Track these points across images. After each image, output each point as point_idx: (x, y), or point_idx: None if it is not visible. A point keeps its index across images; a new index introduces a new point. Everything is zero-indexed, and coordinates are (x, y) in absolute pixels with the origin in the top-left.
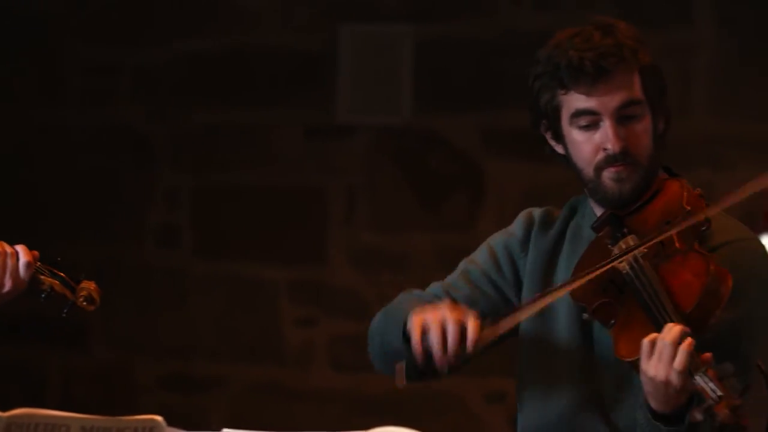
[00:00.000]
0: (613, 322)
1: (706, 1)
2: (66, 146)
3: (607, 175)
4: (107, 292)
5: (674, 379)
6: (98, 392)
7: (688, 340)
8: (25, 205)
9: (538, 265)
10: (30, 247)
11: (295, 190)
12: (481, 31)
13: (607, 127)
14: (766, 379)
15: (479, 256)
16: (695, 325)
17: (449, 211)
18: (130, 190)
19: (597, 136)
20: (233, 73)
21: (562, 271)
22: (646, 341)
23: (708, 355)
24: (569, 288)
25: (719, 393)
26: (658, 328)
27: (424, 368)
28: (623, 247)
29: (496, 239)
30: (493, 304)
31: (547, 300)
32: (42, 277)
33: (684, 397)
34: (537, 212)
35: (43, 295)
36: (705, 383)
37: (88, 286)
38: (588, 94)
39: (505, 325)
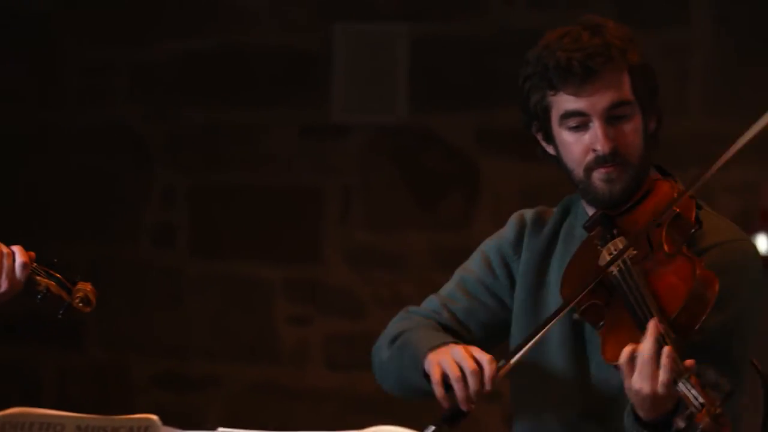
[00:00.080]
0: (602, 323)
1: (703, 0)
2: (62, 145)
3: (597, 176)
4: (103, 291)
5: (660, 390)
6: (94, 391)
7: (667, 350)
8: (21, 203)
9: (531, 266)
10: (26, 246)
11: (290, 189)
12: (475, 29)
13: (596, 128)
14: (762, 377)
15: (473, 264)
16: (681, 329)
17: (444, 210)
18: (126, 189)
19: (586, 137)
20: (229, 72)
21: (555, 270)
22: (625, 355)
23: (691, 361)
24: (571, 305)
25: (701, 400)
26: (644, 333)
27: (450, 412)
28: (612, 249)
29: (489, 244)
30: (492, 314)
31: (553, 322)
32: (38, 278)
33: (671, 404)
34: (528, 214)
35: (39, 296)
36: (688, 390)
37: (85, 287)
38: (576, 95)
39: (517, 356)
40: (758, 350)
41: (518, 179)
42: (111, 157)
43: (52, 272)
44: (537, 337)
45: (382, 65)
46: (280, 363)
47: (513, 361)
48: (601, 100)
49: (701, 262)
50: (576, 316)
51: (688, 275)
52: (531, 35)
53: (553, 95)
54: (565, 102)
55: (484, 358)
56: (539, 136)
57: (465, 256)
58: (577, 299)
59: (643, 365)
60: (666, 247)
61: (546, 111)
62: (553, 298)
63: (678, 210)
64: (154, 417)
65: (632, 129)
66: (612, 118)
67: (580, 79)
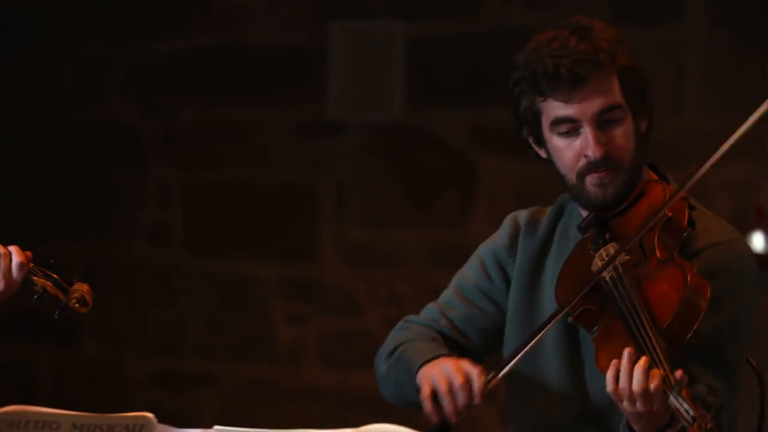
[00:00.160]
0: (596, 329)
1: None
2: (57, 143)
3: (590, 181)
4: (98, 288)
5: (655, 407)
6: (89, 389)
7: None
8: (16, 201)
9: (526, 268)
10: (21, 244)
11: (286, 186)
12: (471, 27)
13: (587, 133)
14: (758, 375)
15: (470, 270)
16: (672, 338)
17: (440, 208)
18: (121, 186)
19: (578, 142)
20: (224, 70)
21: (551, 271)
22: (609, 381)
23: (681, 373)
24: (564, 311)
25: (692, 414)
26: (636, 342)
27: (439, 427)
28: (604, 255)
29: (484, 249)
30: (491, 320)
31: (545, 330)
32: (35, 278)
33: (665, 417)
34: (522, 215)
35: (35, 296)
36: (679, 404)
37: (81, 288)
38: (566, 101)
39: (507, 367)
40: (753, 348)
41: (514, 177)
42: (106, 155)
43: (48, 272)
44: (527, 347)
45: (378, 63)
46: (276, 361)
47: (502, 373)
48: (591, 106)
49: (693, 268)
50: (570, 319)
51: (680, 284)
52: (527, 33)
53: (543, 101)
54: (554, 108)
55: (473, 371)
56: (530, 140)
57: (461, 253)
58: (571, 305)
59: (630, 397)
60: (658, 253)
61: (536, 116)
62: (548, 299)
63: (669, 214)
64: (150, 415)
65: (623, 132)
66: (602, 122)
67: (569, 85)
